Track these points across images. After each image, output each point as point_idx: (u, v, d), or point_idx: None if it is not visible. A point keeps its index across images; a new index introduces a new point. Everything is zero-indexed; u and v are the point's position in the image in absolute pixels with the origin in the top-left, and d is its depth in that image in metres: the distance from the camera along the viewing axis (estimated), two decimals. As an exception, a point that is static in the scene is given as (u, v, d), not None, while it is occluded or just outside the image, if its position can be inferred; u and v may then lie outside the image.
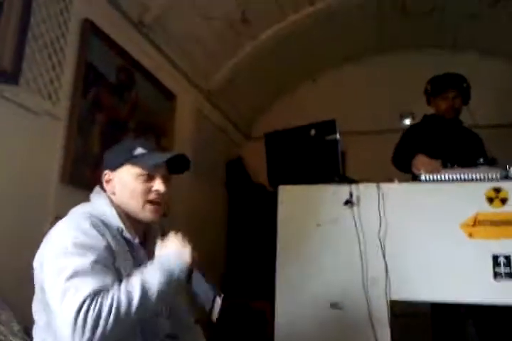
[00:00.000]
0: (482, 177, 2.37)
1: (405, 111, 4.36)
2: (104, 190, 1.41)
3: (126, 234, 1.33)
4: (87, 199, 1.42)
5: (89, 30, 2.18)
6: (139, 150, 1.38)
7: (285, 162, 2.64)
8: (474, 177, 2.37)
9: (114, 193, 1.39)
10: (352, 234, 2.37)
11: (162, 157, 1.39)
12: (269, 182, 2.69)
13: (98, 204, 1.37)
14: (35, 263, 1.27)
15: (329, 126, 2.47)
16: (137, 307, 1.14)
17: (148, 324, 1.30)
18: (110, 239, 1.28)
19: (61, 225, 1.29)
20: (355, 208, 2.42)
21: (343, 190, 2.44)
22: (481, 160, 2.50)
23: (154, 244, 1.40)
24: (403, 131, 3.08)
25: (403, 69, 4.32)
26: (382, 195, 2.39)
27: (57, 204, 1.98)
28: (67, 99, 2.09)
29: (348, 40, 4.22)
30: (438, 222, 2.30)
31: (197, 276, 1.30)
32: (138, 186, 1.36)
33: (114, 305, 1.11)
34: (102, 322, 1.08)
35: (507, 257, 2.20)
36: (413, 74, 3.70)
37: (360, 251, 2.33)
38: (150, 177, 1.37)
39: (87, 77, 2.19)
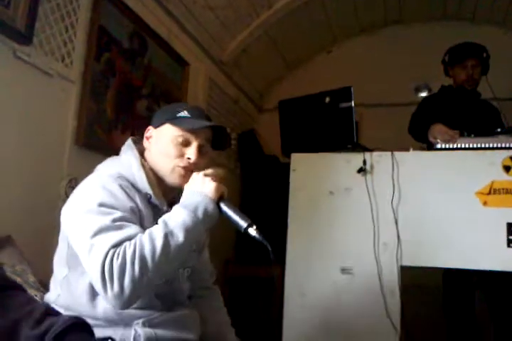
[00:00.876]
0: (499, 146, 2.34)
1: (421, 84, 4.29)
2: (142, 148, 1.38)
3: (155, 201, 1.30)
4: (101, 161, 1.38)
5: (102, -8, 2.16)
6: (184, 113, 1.34)
7: (299, 130, 2.63)
8: (491, 145, 2.34)
9: (149, 150, 1.36)
10: (365, 202, 2.36)
11: (201, 123, 1.33)
12: (282, 151, 2.68)
13: (127, 164, 1.33)
14: (62, 218, 1.26)
15: (345, 93, 2.43)
16: (162, 251, 1.12)
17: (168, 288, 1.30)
18: (139, 202, 1.26)
19: (89, 183, 1.27)
20: (368, 176, 2.41)
21: (356, 158, 2.43)
22: (499, 129, 2.48)
23: None
24: (420, 101, 3.04)
25: (421, 41, 4.21)
26: (397, 163, 2.38)
27: (72, 166, 2.00)
28: (81, 62, 2.08)
29: (366, 10, 4.13)
30: (452, 190, 2.29)
31: (228, 206, 1.25)
32: (171, 147, 1.31)
33: (138, 249, 1.10)
34: (128, 268, 1.08)
35: (522, 225, 2.18)
36: (430, 47, 3.62)
37: (373, 218, 2.33)
38: (186, 142, 1.32)
39: (100, 40, 2.17)
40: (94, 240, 1.12)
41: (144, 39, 2.52)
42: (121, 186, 1.24)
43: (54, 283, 1.32)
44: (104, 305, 1.19)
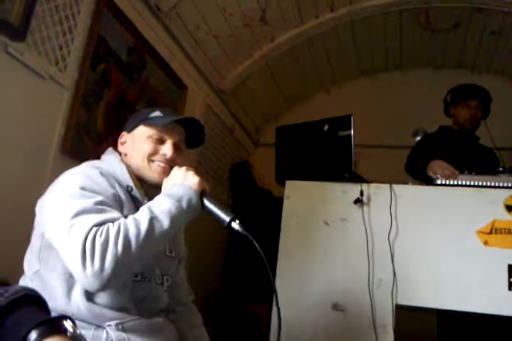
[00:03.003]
0: (501, 185, 2.26)
1: (419, 129, 4.28)
2: (120, 153, 1.38)
3: (136, 193, 1.27)
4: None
5: (104, 2, 2.11)
6: (156, 113, 1.35)
7: (295, 157, 2.54)
8: (493, 184, 2.26)
9: (126, 154, 1.36)
10: (360, 235, 2.24)
11: (173, 118, 1.33)
12: (276, 178, 2.58)
13: (109, 162, 1.32)
14: (37, 208, 1.22)
15: (344, 121, 2.37)
16: (146, 234, 1.07)
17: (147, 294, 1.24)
18: (120, 192, 1.23)
19: (68, 173, 1.25)
20: (365, 208, 2.30)
21: (353, 189, 2.34)
22: (501, 168, 2.41)
23: None
24: (419, 140, 3.00)
25: (420, 87, 4.25)
26: (395, 195, 2.28)
27: (55, 174, 1.86)
28: (75, 68, 2.00)
29: (367, 55, 4.18)
30: (452, 228, 2.18)
31: (210, 200, 1.23)
32: (146, 146, 1.31)
33: (122, 230, 1.06)
34: (111, 246, 1.03)
35: (524, 268, 2.06)
36: (430, 93, 3.64)
37: (368, 252, 2.20)
38: (160, 140, 1.32)
39: (98, 50, 2.11)
40: (74, 220, 1.06)
41: (142, 55, 2.47)
42: (101, 173, 1.22)
43: (24, 280, 1.22)
44: (78, 300, 1.11)
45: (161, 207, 1.14)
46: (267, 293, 2.31)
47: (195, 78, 3.17)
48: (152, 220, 1.10)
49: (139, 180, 1.32)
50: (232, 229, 1.17)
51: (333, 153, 2.39)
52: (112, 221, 1.08)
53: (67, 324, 0.73)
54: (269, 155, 2.68)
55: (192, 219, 1.23)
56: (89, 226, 1.04)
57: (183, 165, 1.30)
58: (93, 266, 1.00)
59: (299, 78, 4.20)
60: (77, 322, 1.06)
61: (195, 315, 1.49)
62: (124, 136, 1.39)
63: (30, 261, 1.22)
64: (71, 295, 1.12)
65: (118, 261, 1.02)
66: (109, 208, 1.13)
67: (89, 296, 1.12)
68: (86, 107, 2.06)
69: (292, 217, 2.37)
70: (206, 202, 1.21)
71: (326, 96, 4.56)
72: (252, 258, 3.45)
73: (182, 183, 1.21)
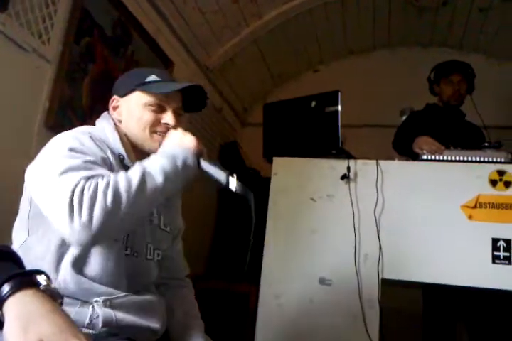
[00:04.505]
0: (486, 160, 2.28)
1: (406, 108, 4.28)
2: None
3: (128, 163, 1.21)
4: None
5: (89, -26, 2.07)
6: (153, 78, 1.27)
7: (282, 134, 2.53)
8: (478, 159, 2.29)
9: (120, 121, 1.29)
10: (347, 210, 2.26)
11: (176, 86, 1.26)
12: (263, 155, 2.57)
13: (101, 128, 1.26)
14: (27, 174, 1.16)
15: (332, 97, 2.37)
16: (137, 188, 1.03)
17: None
18: (111, 158, 1.18)
19: (57, 136, 1.20)
20: (352, 184, 2.31)
21: (340, 165, 2.35)
22: (486, 143, 2.43)
23: None
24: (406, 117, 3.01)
25: (408, 66, 4.24)
26: (382, 171, 2.30)
27: (40, 148, 1.85)
28: (59, 41, 1.96)
29: (355, 33, 4.14)
30: (437, 202, 2.21)
31: (206, 160, 1.20)
32: (146, 115, 1.25)
33: (112, 183, 1.01)
34: (100, 198, 0.98)
35: (507, 241, 2.09)
36: (417, 72, 3.63)
37: (354, 227, 2.22)
38: (160, 108, 1.26)
39: (82, 23, 2.07)
40: (62, 177, 1.02)
41: (128, 30, 2.43)
42: (92, 138, 1.17)
43: None
44: (67, 272, 1.07)
45: (155, 164, 1.10)
46: (254, 272, 2.33)
47: (182, 55, 3.13)
48: (144, 175, 1.06)
49: (133, 148, 1.27)
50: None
51: (321, 129, 2.39)
52: (102, 176, 1.04)
53: (41, 278, 0.72)
54: (257, 135, 2.66)
55: (188, 180, 1.18)
56: (78, 178, 1.01)
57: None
58: (81, 218, 0.96)
59: (287, 56, 4.15)
60: None
61: (188, 291, 1.46)
62: (116, 100, 1.31)
63: (18, 231, 1.18)
64: (59, 267, 1.08)
65: (107, 214, 0.98)
66: (98, 167, 1.10)
67: (80, 268, 1.09)
68: (70, 82, 2.03)
69: (280, 193, 2.38)
70: (203, 163, 1.18)
71: (314, 76, 4.53)
72: (240, 238, 3.47)
73: (178, 143, 1.17)
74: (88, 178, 1.02)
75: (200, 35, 3.25)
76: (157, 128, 1.25)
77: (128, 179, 1.04)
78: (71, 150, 1.10)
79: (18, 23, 1.75)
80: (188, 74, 3.18)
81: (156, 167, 1.10)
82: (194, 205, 3.25)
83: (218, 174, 1.16)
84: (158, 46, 2.74)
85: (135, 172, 1.07)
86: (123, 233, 1.15)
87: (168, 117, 1.25)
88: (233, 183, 1.15)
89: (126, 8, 2.37)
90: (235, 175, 1.15)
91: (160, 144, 1.23)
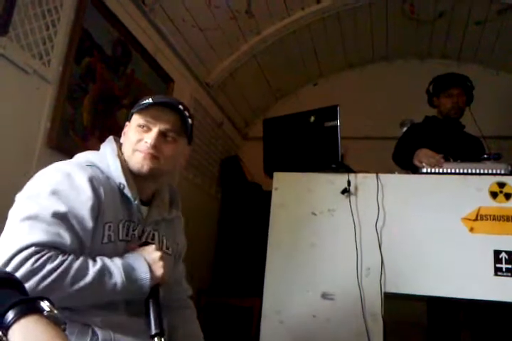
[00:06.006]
0: (486, 172, 2.28)
1: (406, 120, 4.30)
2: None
3: (127, 192, 1.22)
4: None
5: (87, -4, 2.11)
6: (147, 101, 1.27)
7: (282, 149, 2.55)
8: (478, 171, 2.29)
9: (123, 143, 1.32)
10: (348, 224, 2.26)
11: (149, 102, 1.26)
12: (264, 170, 2.59)
13: (104, 154, 1.28)
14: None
15: (331, 112, 2.38)
16: (80, 290, 1.02)
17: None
18: (104, 194, 1.16)
19: (53, 166, 1.20)
20: (352, 198, 2.32)
21: (340, 179, 2.35)
22: (485, 155, 2.43)
23: (158, 206, 1.33)
24: (405, 130, 3.02)
25: (407, 78, 4.26)
26: (382, 185, 2.30)
27: (41, 167, 1.87)
28: (59, 62, 1.99)
29: (354, 46, 4.18)
30: (438, 215, 2.20)
31: (155, 301, 1.15)
32: (133, 135, 1.27)
33: (60, 270, 1.00)
34: (37, 278, 0.98)
35: (509, 253, 2.09)
36: (416, 84, 3.66)
37: (356, 241, 2.22)
38: (147, 128, 1.26)
39: (82, 43, 2.10)
40: (21, 224, 1.02)
41: (127, 49, 2.46)
42: (88, 177, 1.15)
43: None
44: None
45: (112, 279, 1.08)
46: (257, 286, 2.34)
47: (182, 72, 3.16)
48: (93, 283, 1.04)
49: (132, 174, 1.27)
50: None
51: (320, 144, 2.41)
52: (59, 248, 1.03)
53: (44, 304, 0.73)
54: (258, 149, 2.67)
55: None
56: (30, 241, 1.00)
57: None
58: (13, 272, 0.96)
59: (287, 71, 4.20)
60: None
61: (191, 312, 1.46)
62: (126, 126, 1.35)
63: None
64: None
65: (41, 288, 0.98)
66: (64, 228, 1.06)
67: None
68: (71, 102, 2.05)
69: (280, 208, 2.38)
70: (151, 304, 1.13)
71: (314, 89, 4.57)
72: (243, 252, 3.48)
73: (148, 269, 1.14)
74: (42, 248, 1.00)
75: (200, 52, 3.29)
76: (137, 147, 1.25)
77: (78, 275, 1.03)
78: (53, 193, 1.09)
79: (19, 46, 1.78)
80: (188, 91, 3.22)
81: (110, 282, 1.08)
82: (196, 221, 3.26)
83: (153, 321, 1.10)
84: (158, 64, 2.77)
85: (89, 274, 1.05)
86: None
87: (148, 136, 1.25)
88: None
89: (125, 28, 2.41)
90: (163, 339, 1.06)
91: (137, 162, 1.24)
